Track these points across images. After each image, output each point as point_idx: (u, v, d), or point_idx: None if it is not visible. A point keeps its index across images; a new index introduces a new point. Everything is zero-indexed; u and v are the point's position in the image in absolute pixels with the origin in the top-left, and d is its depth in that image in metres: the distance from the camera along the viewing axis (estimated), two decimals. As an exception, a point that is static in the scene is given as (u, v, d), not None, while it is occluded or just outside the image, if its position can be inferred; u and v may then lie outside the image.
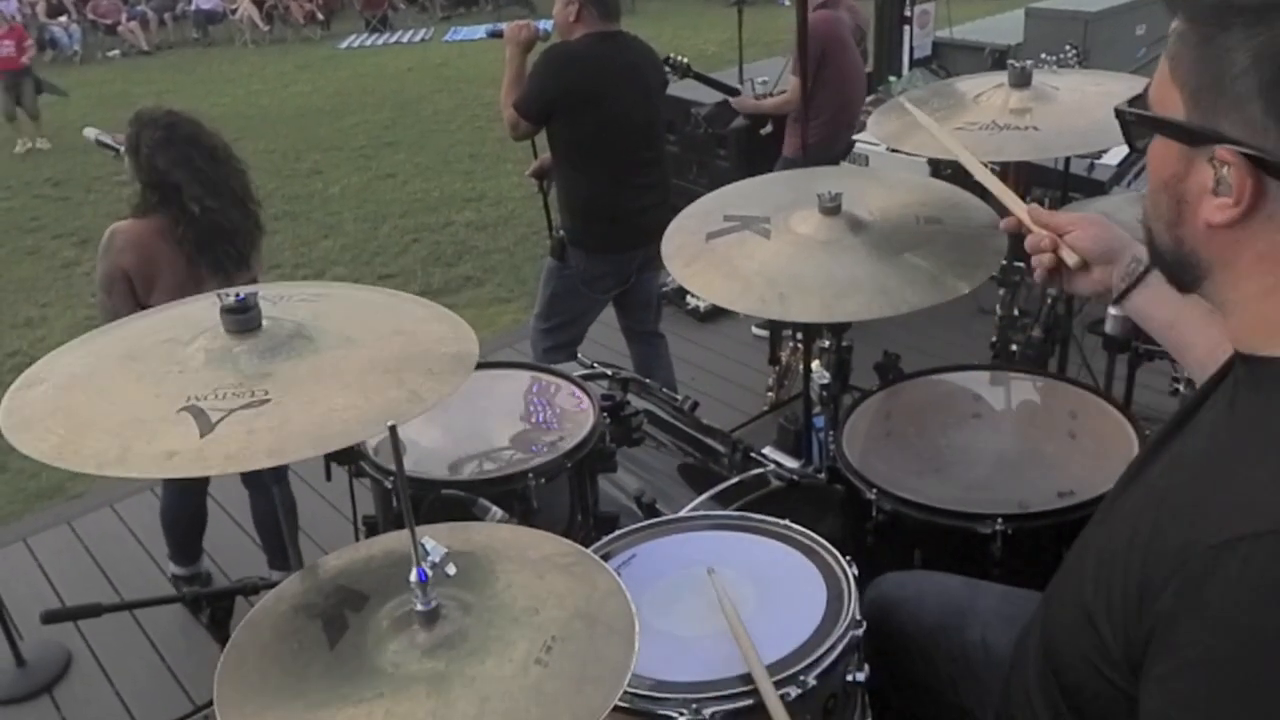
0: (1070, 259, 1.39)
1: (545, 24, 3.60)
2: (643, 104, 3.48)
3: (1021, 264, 2.72)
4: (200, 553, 3.41)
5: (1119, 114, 1.06)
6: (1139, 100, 1.04)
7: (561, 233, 3.56)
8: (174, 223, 2.83)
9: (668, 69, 4.62)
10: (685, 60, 4.57)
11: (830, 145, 4.46)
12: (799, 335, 3.96)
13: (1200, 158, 0.95)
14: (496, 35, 3.53)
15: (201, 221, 2.83)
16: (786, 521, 1.67)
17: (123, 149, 2.91)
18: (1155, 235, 1.05)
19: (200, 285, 2.83)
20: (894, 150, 4.72)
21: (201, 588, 3.05)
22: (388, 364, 1.42)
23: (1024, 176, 4.16)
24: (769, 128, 4.70)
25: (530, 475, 1.96)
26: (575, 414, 2.19)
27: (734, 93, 4.81)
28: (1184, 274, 1.05)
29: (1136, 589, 0.96)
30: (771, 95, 4.74)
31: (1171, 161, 0.98)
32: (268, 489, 3.09)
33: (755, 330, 4.84)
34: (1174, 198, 0.99)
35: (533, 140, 3.57)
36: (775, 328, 4.32)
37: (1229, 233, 0.95)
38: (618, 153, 3.43)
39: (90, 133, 3.12)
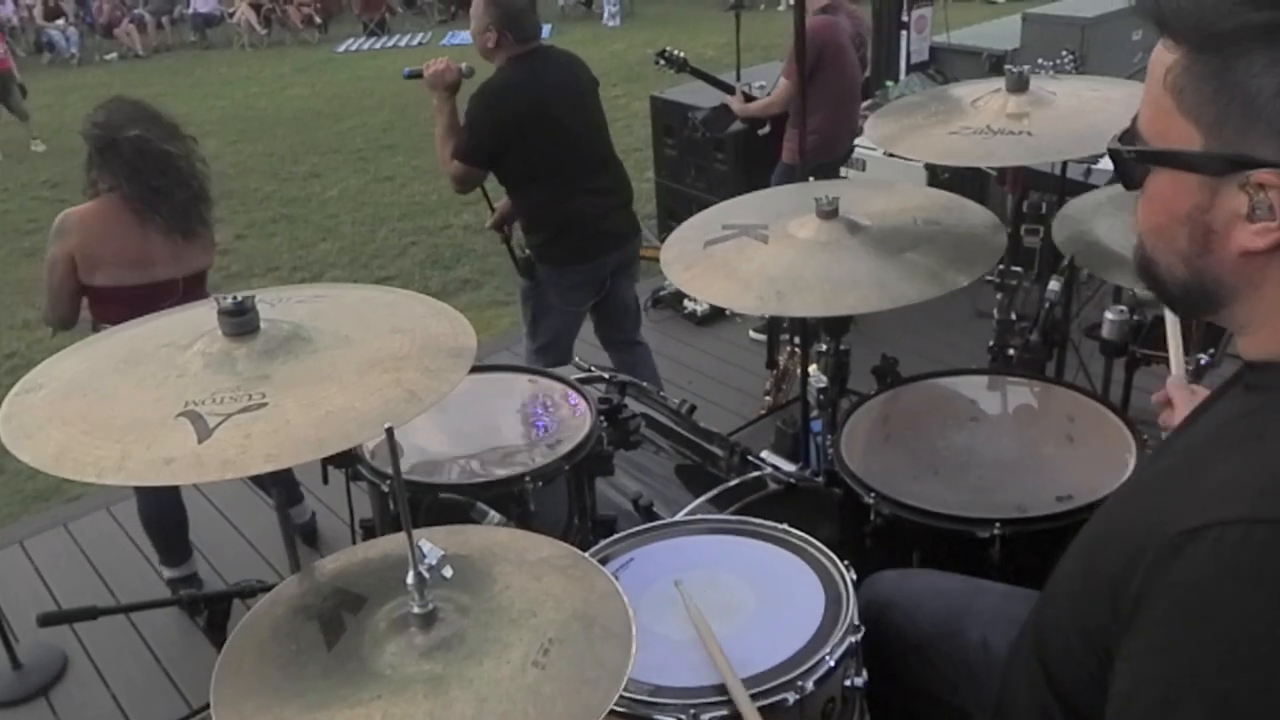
0: None
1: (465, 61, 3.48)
2: (582, 111, 3.44)
3: (1019, 269, 2.72)
4: (190, 552, 3.39)
5: (1115, 154, 1.04)
6: (1129, 138, 1.02)
7: (528, 252, 3.52)
8: (113, 178, 2.91)
9: (663, 63, 4.61)
10: (681, 54, 4.55)
11: (829, 150, 4.46)
12: (796, 339, 3.96)
13: (1228, 185, 0.93)
14: (416, 76, 3.40)
15: (136, 148, 2.89)
16: (784, 526, 1.67)
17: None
18: (1164, 269, 1.03)
19: (151, 257, 2.94)
20: (890, 155, 4.73)
21: (196, 590, 3.04)
22: (385, 363, 1.42)
23: (1021, 181, 4.17)
24: (767, 128, 4.70)
25: (528, 478, 1.96)
26: (572, 417, 2.19)
27: (729, 90, 4.81)
28: (1199, 303, 1.03)
29: (1113, 574, 0.97)
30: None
31: (1189, 194, 0.96)
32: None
33: (753, 334, 4.84)
34: (1198, 229, 0.97)
35: (481, 187, 3.50)
36: (773, 331, 4.32)
37: (1264, 256, 0.94)
38: (569, 165, 3.39)
39: None
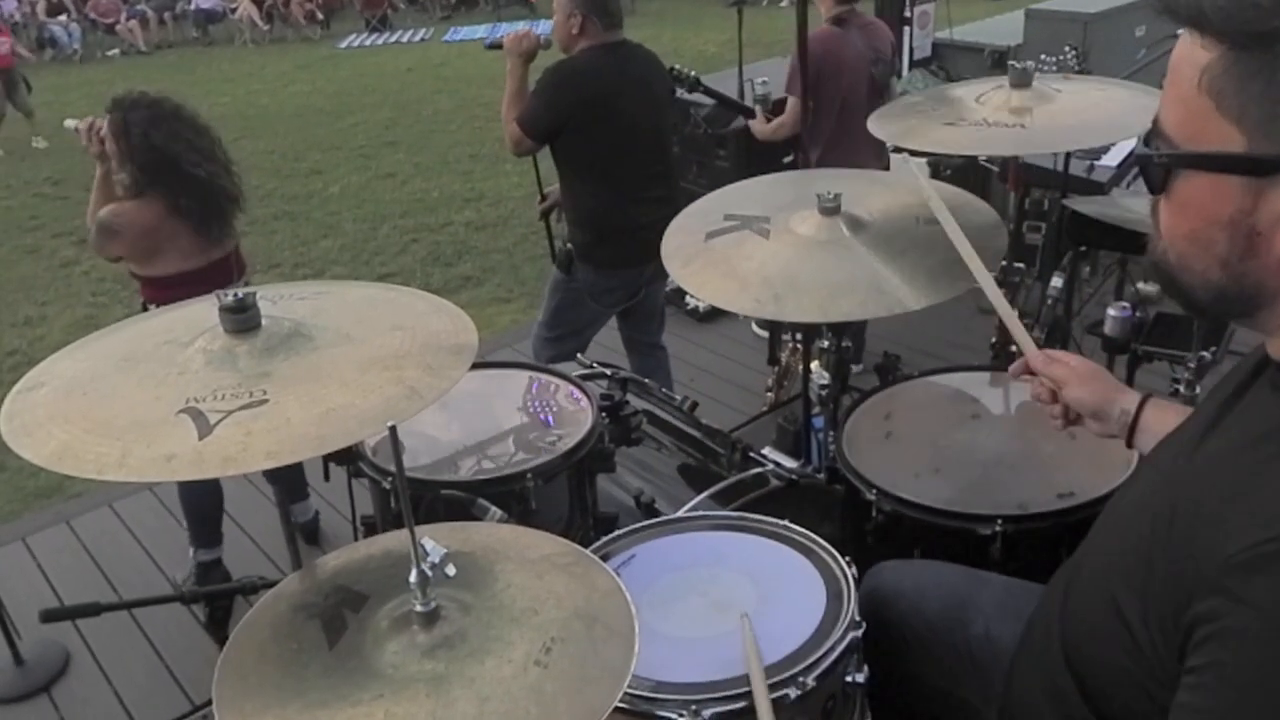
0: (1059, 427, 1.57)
1: (546, 28, 3.53)
2: (652, 116, 3.42)
3: (1021, 265, 2.72)
4: (221, 537, 3.41)
5: (1144, 159, 1.00)
6: (1155, 141, 0.99)
7: (569, 246, 3.49)
8: (173, 196, 2.98)
9: (673, 80, 4.52)
10: (693, 73, 4.41)
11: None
12: (798, 336, 3.95)
13: (1275, 187, 0.91)
14: (496, 47, 3.40)
15: (207, 186, 3.01)
16: (786, 522, 1.67)
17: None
18: (1198, 275, 1.00)
19: (207, 251, 3.07)
20: (895, 150, 4.70)
21: (199, 586, 3.04)
22: (387, 360, 1.42)
23: (1023, 177, 4.16)
24: (791, 157, 4.49)
25: (529, 475, 1.96)
26: (574, 414, 2.19)
27: (749, 113, 4.63)
28: (1233, 307, 1.01)
29: (1175, 588, 0.95)
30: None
31: (1231, 197, 0.93)
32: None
33: (755, 330, 4.83)
34: (1241, 233, 0.94)
35: (535, 166, 3.47)
36: (775, 328, 4.31)
37: None
38: (628, 168, 3.36)
39: (70, 123, 3.17)
